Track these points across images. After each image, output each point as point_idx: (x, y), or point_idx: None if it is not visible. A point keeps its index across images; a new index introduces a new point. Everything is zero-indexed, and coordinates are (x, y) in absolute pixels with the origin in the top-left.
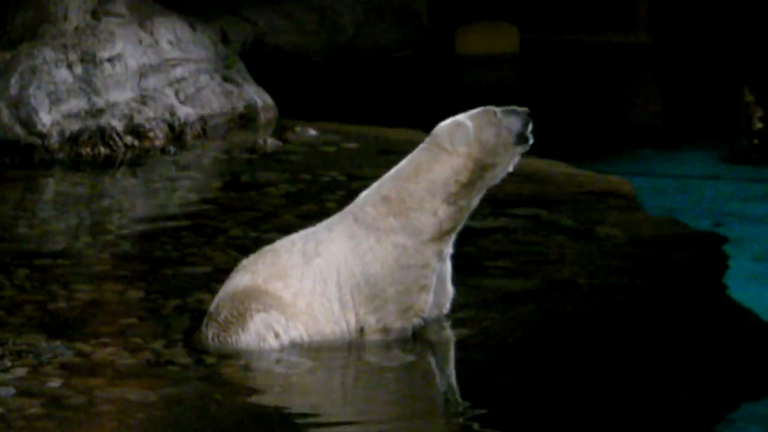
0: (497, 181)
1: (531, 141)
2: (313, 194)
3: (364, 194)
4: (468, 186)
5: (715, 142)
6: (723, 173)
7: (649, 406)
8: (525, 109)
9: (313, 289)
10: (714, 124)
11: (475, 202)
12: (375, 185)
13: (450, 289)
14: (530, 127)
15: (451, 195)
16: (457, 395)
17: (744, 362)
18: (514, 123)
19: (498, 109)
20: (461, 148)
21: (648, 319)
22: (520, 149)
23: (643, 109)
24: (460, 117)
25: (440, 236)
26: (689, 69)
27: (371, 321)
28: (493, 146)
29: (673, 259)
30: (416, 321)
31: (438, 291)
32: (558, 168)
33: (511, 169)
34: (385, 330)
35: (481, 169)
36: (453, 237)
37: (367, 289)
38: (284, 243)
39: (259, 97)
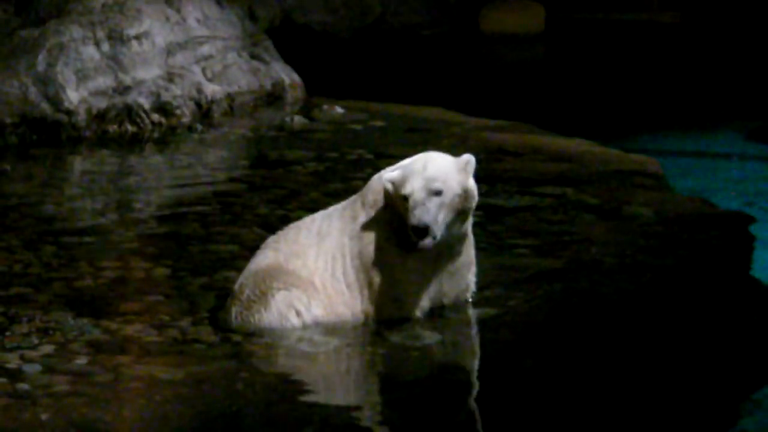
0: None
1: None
2: (340, 172)
3: (377, 175)
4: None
5: (744, 122)
6: (752, 152)
7: (675, 385)
8: (422, 223)
9: (325, 268)
10: (743, 103)
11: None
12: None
13: (470, 279)
14: (423, 238)
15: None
16: (482, 375)
17: None
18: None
19: (414, 194)
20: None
21: (675, 298)
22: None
23: (670, 88)
24: (395, 171)
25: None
26: (717, 47)
27: (371, 311)
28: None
29: (701, 238)
30: (414, 312)
31: (448, 282)
32: (585, 147)
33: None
34: (385, 322)
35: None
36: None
37: (363, 275)
38: (306, 221)
39: (286, 74)
